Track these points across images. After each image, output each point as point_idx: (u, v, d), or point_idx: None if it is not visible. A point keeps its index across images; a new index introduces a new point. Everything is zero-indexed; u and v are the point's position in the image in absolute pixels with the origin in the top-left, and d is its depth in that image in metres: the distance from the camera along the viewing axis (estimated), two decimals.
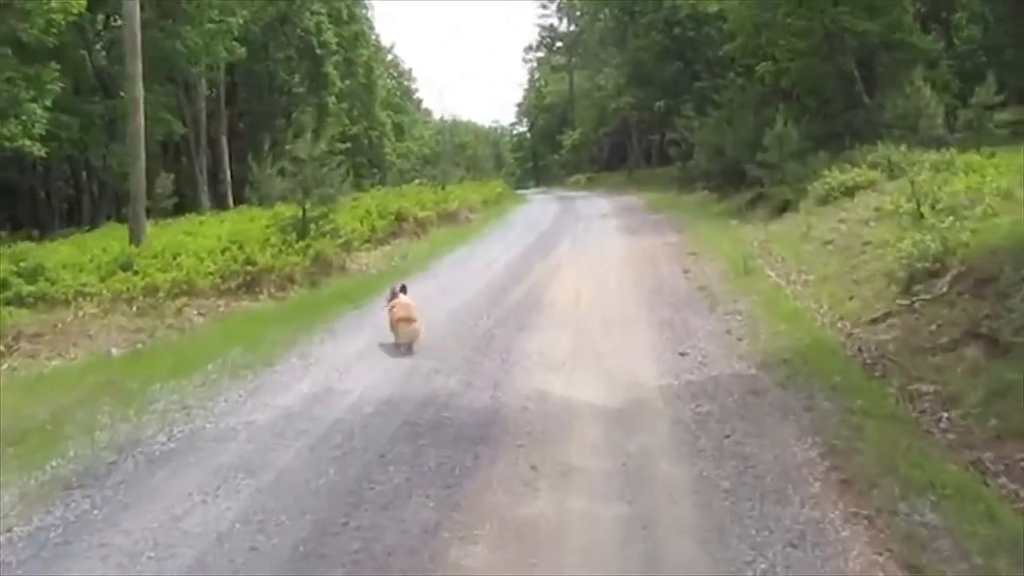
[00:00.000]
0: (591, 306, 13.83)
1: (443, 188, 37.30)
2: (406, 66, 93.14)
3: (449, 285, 16.78)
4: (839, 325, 11.65)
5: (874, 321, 11.38)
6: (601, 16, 59.71)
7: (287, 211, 20.89)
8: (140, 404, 9.28)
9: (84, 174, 41.91)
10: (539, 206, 41.55)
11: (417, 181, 48.01)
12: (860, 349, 10.41)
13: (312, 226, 20.32)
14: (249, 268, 17.84)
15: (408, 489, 6.66)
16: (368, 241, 23.30)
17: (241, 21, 38.89)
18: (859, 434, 7.45)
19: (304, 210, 20.33)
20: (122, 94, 35.30)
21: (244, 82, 53.63)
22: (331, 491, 6.71)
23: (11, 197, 40.92)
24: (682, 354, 10.43)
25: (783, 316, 12.09)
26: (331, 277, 19.30)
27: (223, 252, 18.39)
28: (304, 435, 7.98)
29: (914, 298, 11.23)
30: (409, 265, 20.91)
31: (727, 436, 7.59)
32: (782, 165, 24.95)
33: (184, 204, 41.88)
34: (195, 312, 16.21)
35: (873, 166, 22.07)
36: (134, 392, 9.77)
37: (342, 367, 10.48)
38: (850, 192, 20.92)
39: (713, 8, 36.94)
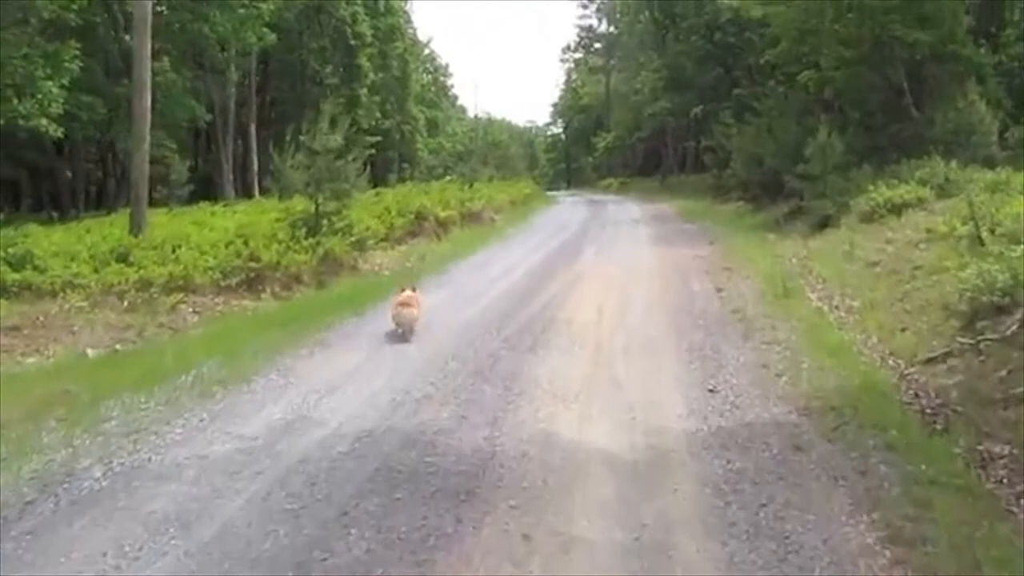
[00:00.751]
0: (613, 326, 12.44)
1: (471, 186, 36.07)
2: (442, 61, 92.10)
3: (461, 293, 15.49)
4: (891, 363, 10.21)
5: (932, 361, 9.92)
6: (641, 18, 58.17)
7: (299, 205, 19.69)
8: (89, 423, 8.03)
9: (111, 157, 41.04)
10: (568, 209, 40.16)
11: (448, 178, 46.88)
12: (917, 395, 8.97)
13: (324, 222, 19.11)
14: (253, 265, 16.68)
15: (367, 564, 5.34)
16: (385, 239, 22.07)
17: (272, 7, 37.82)
18: (926, 512, 6.02)
19: (316, 205, 19.12)
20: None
21: (277, 71, 52.77)
22: (274, 560, 5.39)
23: (34, 178, 40.05)
24: (712, 391, 9.04)
25: (827, 349, 10.66)
26: (340, 278, 18.11)
27: (227, 246, 17.22)
28: (260, 478, 6.67)
29: (979, 337, 9.76)
30: (425, 268, 19.65)
31: (764, 505, 6.19)
32: (824, 178, 23.43)
33: (210, 192, 41.13)
34: (190, 310, 15.09)
35: (922, 183, 20.56)
36: (87, 407, 8.52)
37: (324, 388, 9.17)
38: (897, 210, 19.44)
39: (756, 13, 35.20)
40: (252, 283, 16.63)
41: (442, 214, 24.99)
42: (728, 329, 11.96)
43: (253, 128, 46.54)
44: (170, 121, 35.66)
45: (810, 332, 11.59)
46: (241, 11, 35.44)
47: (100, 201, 42.66)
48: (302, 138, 19.67)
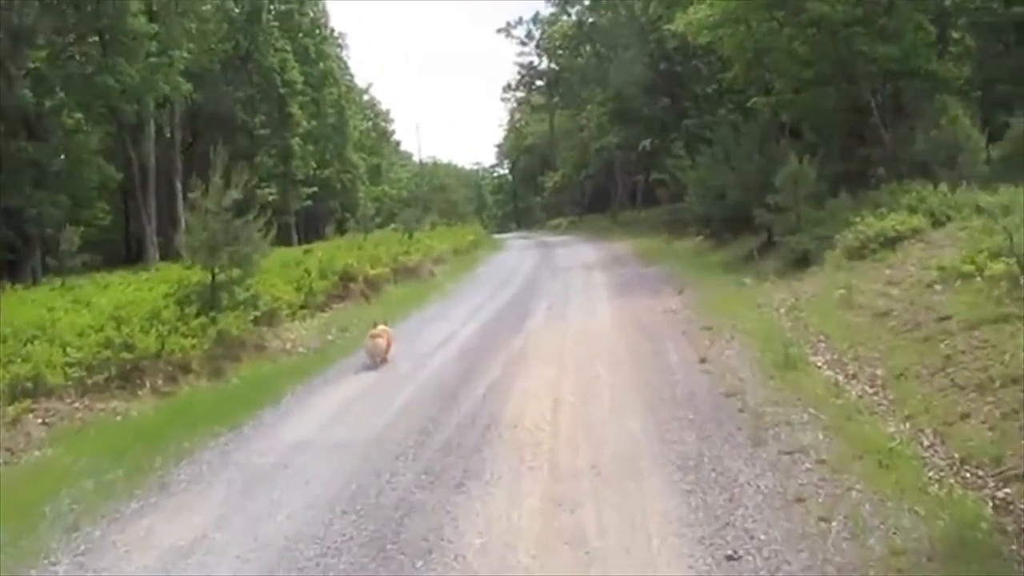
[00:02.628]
0: (573, 429, 9.14)
1: (410, 236, 32.79)
2: (383, 107, 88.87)
3: (375, 386, 12.08)
4: (969, 475, 7.09)
5: None
6: (583, 53, 55.50)
7: (195, 275, 16.30)
8: None
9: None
10: (516, 255, 36.87)
11: (392, 226, 43.65)
12: None
13: (224, 295, 15.71)
14: (127, 356, 13.19)
15: None
16: (304, 307, 18.69)
17: (187, 56, 34.49)
18: None
19: (213, 274, 15.72)
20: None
21: (206, 124, 49.21)
22: None
23: None
24: (732, 558, 5.80)
25: (874, 457, 7.50)
26: (242, 363, 14.74)
27: (98, 332, 13.73)
28: None
29: None
30: (347, 342, 16.30)
31: None
32: (797, 209, 20.54)
33: (140, 255, 37.41)
34: (39, 421, 11.65)
35: (911, 210, 17.76)
36: None
37: None
38: (891, 243, 16.68)
39: (704, 39, 32.42)
40: (128, 378, 13.20)
41: (372, 272, 21.60)
42: (728, 427, 8.71)
43: (178, 185, 42.86)
44: (78, 183, 32.09)
45: (840, 427, 8.43)
46: (151, 60, 31.95)
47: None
48: (191, 196, 16.31)
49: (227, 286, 15.83)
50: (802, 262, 19.29)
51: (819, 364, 11.24)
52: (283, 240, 49.38)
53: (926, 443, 7.97)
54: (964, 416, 8.27)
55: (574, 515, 6.81)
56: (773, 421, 8.71)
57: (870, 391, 9.84)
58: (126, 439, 10.12)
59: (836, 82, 25.64)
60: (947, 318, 11.08)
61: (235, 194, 15.98)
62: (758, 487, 7.01)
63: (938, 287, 12.66)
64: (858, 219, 17.88)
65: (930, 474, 7.15)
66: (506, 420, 9.51)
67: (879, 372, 10.36)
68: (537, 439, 8.78)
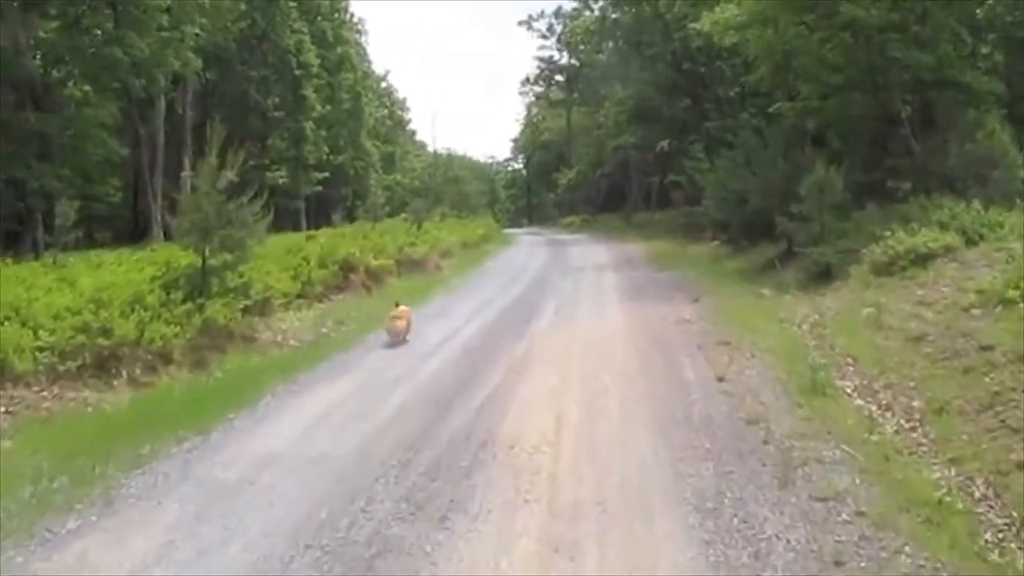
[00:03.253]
0: (577, 454, 8.13)
1: (419, 227, 31.82)
2: (400, 95, 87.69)
3: (366, 388, 11.06)
4: None
5: None
6: (604, 49, 54.27)
7: (185, 259, 15.35)
8: None
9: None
10: (526, 251, 35.79)
11: (402, 216, 42.65)
12: None
13: (214, 280, 14.76)
14: (103, 342, 12.22)
15: None
16: (301, 296, 17.74)
17: (200, 32, 33.49)
18: None
19: (204, 258, 14.76)
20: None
21: (219, 103, 48.20)
22: None
23: None
24: None
25: (920, 510, 6.52)
26: (228, 354, 13.79)
27: (76, 315, 12.75)
28: None
29: None
30: (342, 336, 15.35)
31: None
32: (821, 220, 19.47)
33: (139, 233, 36.56)
34: (2, 410, 10.73)
35: (942, 227, 16.71)
36: None
37: None
38: (922, 261, 15.52)
39: (730, 40, 31.23)
40: (103, 366, 12.25)
41: (374, 263, 20.59)
42: (751, 462, 7.71)
43: (187, 163, 41.91)
44: (83, 157, 31.14)
45: (878, 470, 7.44)
46: (162, 34, 30.97)
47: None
48: (183, 174, 15.32)
49: (218, 271, 14.90)
50: (824, 275, 18.25)
51: (848, 390, 10.23)
52: (292, 225, 48.56)
53: (977, 494, 6.99)
54: (1021, 465, 7.27)
55: (574, 563, 5.83)
56: (802, 458, 7.70)
57: (907, 426, 8.84)
58: (88, 436, 9.15)
59: (866, 89, 24.55)
60: (990, 348, 10.06)
61: (230, 175, 15.00)
62: (788, 542, 6.01)
63: (976, 312, 11.64)
64: (888, 233, 16.83)
65: (987, 535, 6.17)
66: (503, 438, 8.51)
67: (916, 404, 9.36)
68: (536, 463, 7.78)
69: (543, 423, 9.01)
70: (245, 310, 14.93)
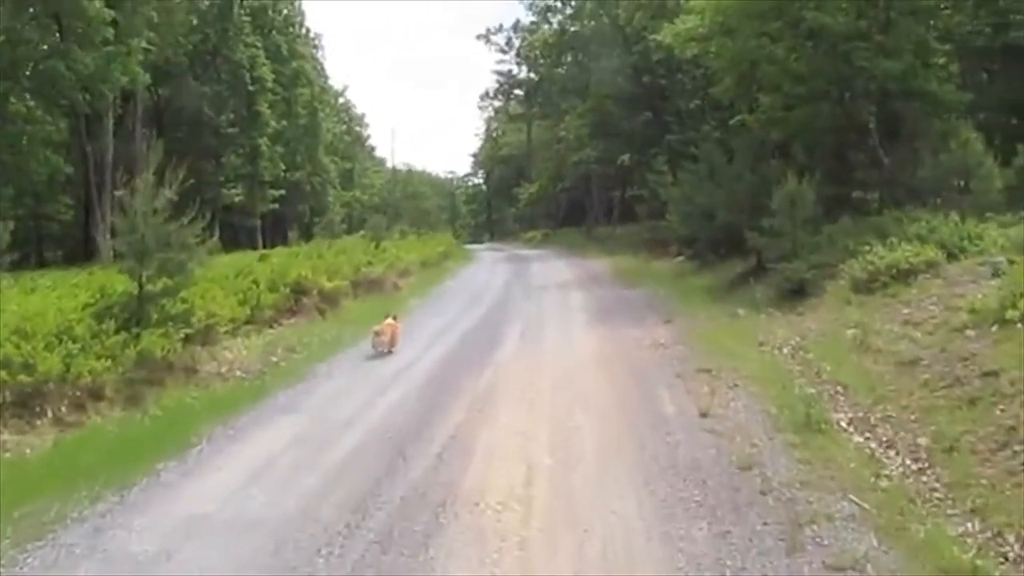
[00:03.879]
0: (552, 511, 7.04)
1: (377, 245, 30.64)
2: (358, 111, 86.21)
3: (308, 434, 9.79)
4: None
5: None
6: (564, 62, 53.42)
7: (121, 284, 14.10)
8: None
9: None
10: (487, 268, 34.71)
11: (361, 233, 41.45)
12: None
13: (152, 307, 13.52)
14: (24, 379, 10.98)
15: None
16: (250, 322, 16.51)
17: (150, 46, 32.14)
18: None
19: (140, 285, 13.53)
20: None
21: (171, 121, 46.67)
22: None
23: None
24: None
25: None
26: (166, 388, 12.53)
27: None
28: None
29: None
30: (292, 365, 14.18)
31: None
32: (793, 234, 18.66)
33: (89, 254, 34.98)
34: None
35: (921, 240, 15.99)
36: None
37: None
38: (904, 277, 14.74)
39: (691, 52, 30.45)
40: (26, 404, 11.01)
41: (328, 285, 19.38)
42: (750, 518, 6.68)
43: (139, 182, 40.25)
44: (26, 175, 29.69)
45: (894, 526, 6.44)
46: (107, 48, 29.53)
47: None
48: (117, 194, 14.17)
49: (156, 298, 13.65)
50: (798, 292, 17.47)
51: (843, 424, 9.28)
52: (249, 243, 47.14)
53: (1012, 554, 6.03)
54: None
55: None
56: (807, 512, 6.69)
57: (914, 468, 7.89)
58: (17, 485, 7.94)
59: (831, 99, 23.89)
60: (994, 374, 9.20)
61: (168, 193, 13.80)
62: None
63: (971, 333, 10.80)
64: (866, 248, 16.03)
65: None
66: (465, 493, 7.40)
67: (921, 441, 8.43)
68: (504, 526, 6.68)
69: (511, 473, 7.92)
70: (186, 339, 13.66)
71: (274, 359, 14.85)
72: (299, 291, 18.60)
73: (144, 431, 10.34)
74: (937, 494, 7.25)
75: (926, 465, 7.91)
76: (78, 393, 11.53)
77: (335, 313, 19.07)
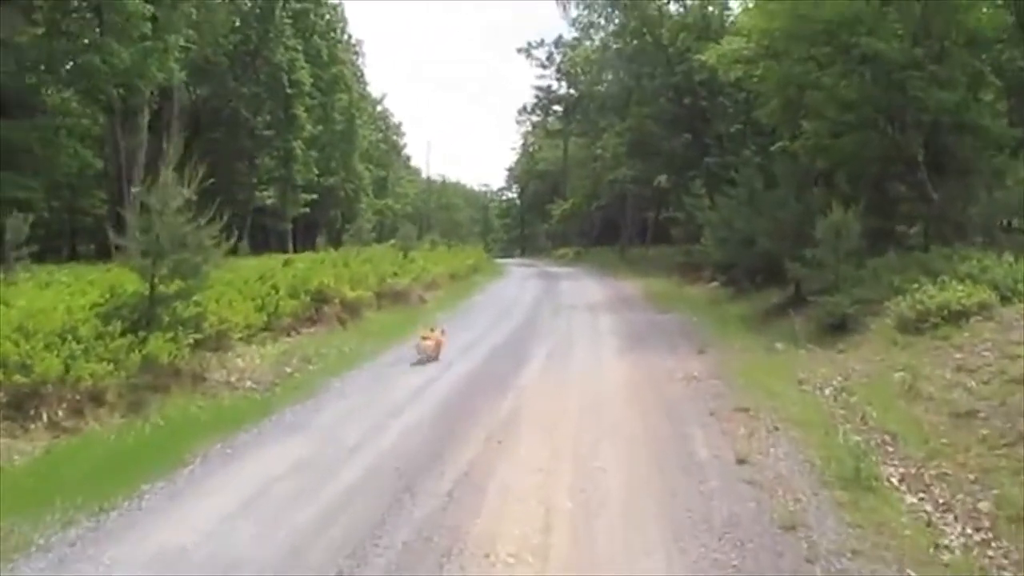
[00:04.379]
0: (571, 568, 6.26)
1: (405, 255, 30.01)
2: (395, 120, 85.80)
3: (310, 459, 8.98)
4: None
5: None
6: (604, 80, 52.64)
7: (132, 284, 13.49)
8: None
9: None
10: (516, 284, 33.97)
11: (391, 242, 40.89)
12: None
13: (163, 310, 12.90)
14: (20, 379, 10.40)
15: None
16: (267, 329, 15.89)
17: (190, 44, 31.84)
18: None
19: (152, 286, 12.91)
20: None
21: (209, 121, 46.47)
22: None
23: None
24: None
25: None
26: (172, 396, 11.89)
27: None
28: None
29: None
30: (307, 377, 13.50)
31: None
32: (836, 267, 17.74)
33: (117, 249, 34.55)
34: None
35: (972, 280, 15.09)
36: None
37: None
38: (955, 319, 13.82)
39: (736, 74, 29.61)
40: (21, 406, 10.43)
41: (351, 295, 18.72)
42: None
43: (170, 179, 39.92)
44: (55, 169, 29.36)
45: None
46: (144, 43, 29.23)
47: None
48: (134, 190, 13.57)
49: (168, 301, 13.02)
50: (839, 327, 16.53)
51: (894, 480, 8.41)
52: (279, 246, 46.73)
53: None
54: None
55: None
56: None
57: (977, 538, 7.03)
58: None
59: (880, 129, 22.95)
60: None
61: (187, 192, 13.21)
62: None
63: None
64: (914, 285, 15.11)
65: None
66: (475, 539, 6.61)
67: (982, 506, 7.56)
68: None
69: (527, 518, 7.13)
70: (197, 344, 13.05)
71: (288, 370, 14.18)
72: (320, 299, 17.97)
73: (140, 443, 9.67)
74: (1006, 573, 6.39)
75: (990, 536, 7.05)
76: (77, 397, 10.94)
77: (357, 324, 18.41)
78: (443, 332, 15.92)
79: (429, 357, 14.84)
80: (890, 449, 9.44)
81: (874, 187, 23.73)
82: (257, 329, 15.59)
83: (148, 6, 28.71)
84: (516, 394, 11.93)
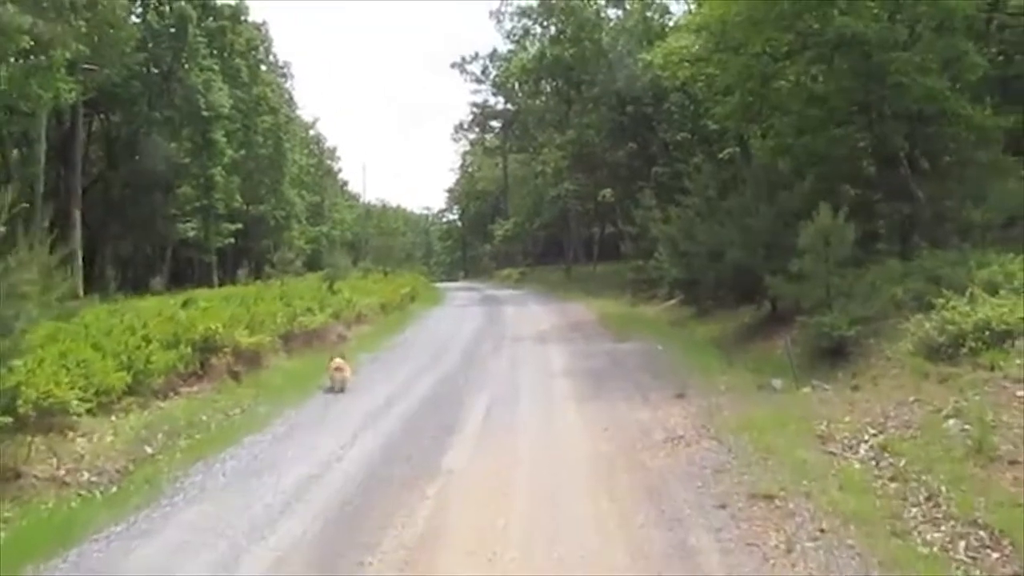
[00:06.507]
0: None
1: (331, 287, 26.38)
2: (329, 144, 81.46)
3: None
4: None
5: None
6: (542, 90, 49.45)
7: None
8: None
9: None
10: (456, 313, 30.35)
11: (323, 271, 37.22)
12: None
13: None
14: None
15: None
16: (133, 393, 12.21)
17: (69, 56, 27.79)
18: None
19: None
20: None
21: (127, 148, 42.46)
22: None
23: None
24: None
25: None
26: None
27: None
28: None
29: None
30: (171, 462, 9.91)
31: None
32: (827, 280, 14.57)
33: None
34: None
35: (991, 289, 12.16)
36: None
37: None
38: (999, 340, 10.79)
39: (684, 75, 26.60)
40: None
41: (247, 341, 15.04)
42: None
43: (77, 215, 35.88)
44: None
45: None
46: (24, 61, 25.22)
47: None
48: None
49: None
50: (836, 352, 13.42)
51: None
52: (205, 280, 42.72)
53: None
54: None
55: None
56: None
57: None
58: None
59: (853, 123, 20.04)
60: None
61: None
62: None
63: None
64: (940, 301, 11.99)
65: None
66: None
67: None
68: None
69: None
70: (15, 428, 9.38)
71: (149, 450, 10.55)
72: (208, 349, 14.27)
73: None
74: None
75: None
76: None
77: (255, 376, 14.76)
78: (342, 357, 15.10)
79: (338, 388, 13.88)
80: (991, 555, 6.18)
81: (849, 187, 20.73)
82: (118, 394, 11.95)
83: (26, 17, 24.70)
84: (440, 488, 8.28)
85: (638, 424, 10.61)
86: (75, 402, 10.60)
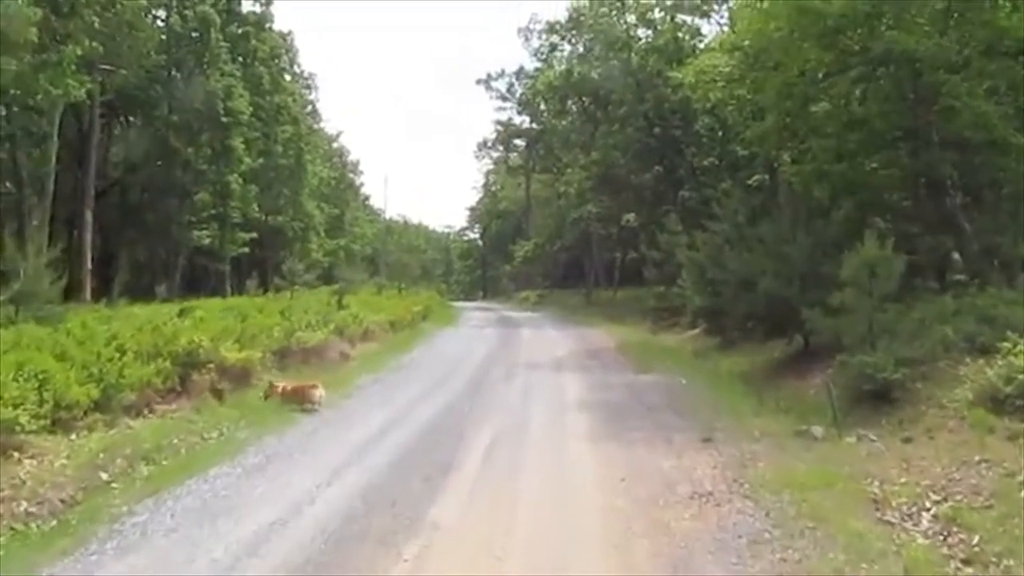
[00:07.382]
0: None
1: (339, 302, 25.15)
2: (352, 157, 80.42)
3: None
4: None
5: None
6: (567, 109, 48.16)
7: None
8: None
9: None
10: (469, 334, 29.00)
11: (337, 285, 36.07)
12: None
13: None
14: None
15: None
16: (100, 410, 10.97)
17: (81, 52, 26.85)
18: None
19: None
20: None
21: (143, 153, 41.62)
22: None
23: None
24: None
25: None
26: None
27: None
28: None
29: None
30: (128, 491, 8.65)
31: None
32: (871, 315, 13.12)
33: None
34: None
35: None
36: None
37: None
38: None
39: (715, 96, 25.25)
40: None
41: (235, 356, 13.76)
42: None
43: (88, 215, 34.96)
44: None
45: None
46: (38, 56, 24.25)
47: None
48: None
49: None
50: (881, 397, 11.94)
51: None
52: (218, 290, 41.62)
53: None
54: None
55: None
56: None
57: None
58: None
59: (898, 148, 18.63)
60: None
61: None
62: None
63: None
64: (1006, 345, 10.56)
65: None
66: None
67: None
68: None
69: None
70: None
71: (104, 476, 9.26)
72: (190, 364, 13.00)
73: None
74: None
75: None
76: None
77: (241, 395, 13.46)
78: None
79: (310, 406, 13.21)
80: None
81: (884, 218, 19.26)
82: (84, 409, 10.71)
83: (35, 9, 23.76)
84: (421, 548, 6.84)
85: (660, 474, 9.19)
86: (25, 419, 9.44)
